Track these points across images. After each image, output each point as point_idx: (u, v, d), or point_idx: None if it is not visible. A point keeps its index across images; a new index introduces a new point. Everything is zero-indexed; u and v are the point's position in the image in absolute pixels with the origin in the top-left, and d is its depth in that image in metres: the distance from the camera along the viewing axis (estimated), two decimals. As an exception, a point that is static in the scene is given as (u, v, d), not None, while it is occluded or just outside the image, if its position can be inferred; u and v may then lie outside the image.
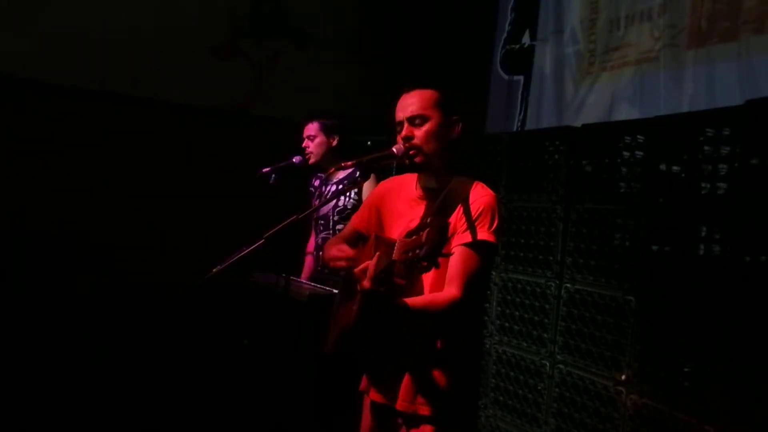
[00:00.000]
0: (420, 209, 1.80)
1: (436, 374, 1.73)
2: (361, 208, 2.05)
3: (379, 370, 1.81)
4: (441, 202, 1.73)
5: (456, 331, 1.75)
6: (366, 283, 1.52)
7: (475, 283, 1.67)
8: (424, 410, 1.72)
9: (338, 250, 1.88)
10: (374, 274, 1.51)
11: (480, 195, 1.73)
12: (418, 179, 1.85)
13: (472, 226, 1.68)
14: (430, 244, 1.39)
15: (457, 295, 1.64)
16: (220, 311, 3.75)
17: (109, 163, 4.02)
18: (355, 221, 2.02)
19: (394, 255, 1.49)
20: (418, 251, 1.41)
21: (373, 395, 1.83)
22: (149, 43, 4.15)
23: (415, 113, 1.75)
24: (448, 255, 1.58)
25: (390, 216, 1.89)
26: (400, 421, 1.78)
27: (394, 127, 1.82)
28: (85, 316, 3.79)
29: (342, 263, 1.85)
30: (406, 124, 1.76)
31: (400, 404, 1.74)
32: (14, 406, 3.13)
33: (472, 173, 1.83)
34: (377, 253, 1.54)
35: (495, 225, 1.70)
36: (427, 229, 1.41)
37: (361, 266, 1.56)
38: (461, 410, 1.78)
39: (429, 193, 1.81)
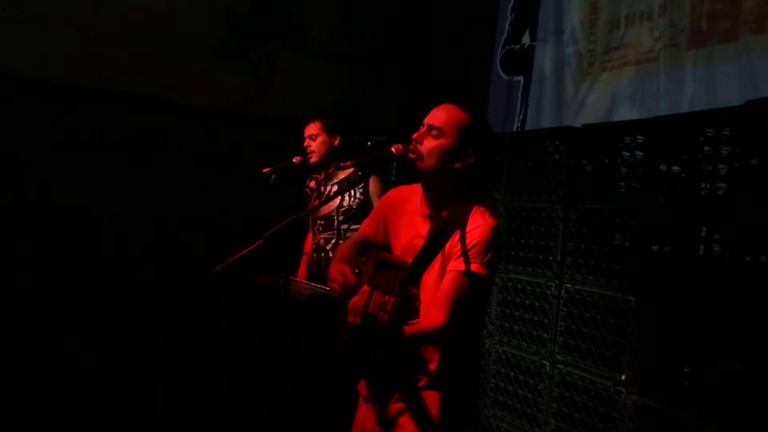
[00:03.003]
0: (423, 226, 1.80)
1: (430, 396, 1.74)
2: (371, 216, 2.06)
3: (377, 384, 1.83)
4: (438, 228, 1.70)
5: (454, 355, 1.76)
6: (356, 320, 1.53)
7: (461, 311, 1.64)
8: (423, 427, 1.74)
9: (339, 273, 1.83)
10: (362, 311, 1.52)
11: (478, 224, 1.69)
12: (424, 196, 1.84)
13: (465, 255, 1.65)
14: (392, 316, 1.43)
15: (442, 321, 1.62)
16: (220, 311, 3.75)
17: (109, 163, 4.02)
18: (365, 229, 2.03)
19: (369, 307, 1.50)
20: (383, 315, 1.43)
21: (370, 399, 1.85)
22: (149, 43, 4.15)
23: (436, 125, 1.74)
24: (459, 271, 1.63)
25: (396, 228, 1.90)
26: (394, 422, 1.79)
27: (394, 125, 1.83)
28: (85, 316, 3.79)
29: (336, 287, 1.81)
30: (424, 129, 1.76)
31: (402, 420, 1.75)
32: (13, 405, 3.13)
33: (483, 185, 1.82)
34: (365, 290, 1.54)
35: (489, 258, 1.66)
36: (393, 301, 1.42)
37: (353, 300, 1.56)
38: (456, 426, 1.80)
39: (430, 214, 1.81)
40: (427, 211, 1.81)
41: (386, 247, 1.92)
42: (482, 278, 1.66)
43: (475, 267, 1.64)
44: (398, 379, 1.77)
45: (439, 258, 1.69)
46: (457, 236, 1.68)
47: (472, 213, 1.71)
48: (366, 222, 2.05)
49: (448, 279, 1.66)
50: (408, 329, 1.61)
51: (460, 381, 1.80)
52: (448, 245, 1.69)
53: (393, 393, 1.79)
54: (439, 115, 1.76)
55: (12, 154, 3.74)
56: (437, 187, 1.77)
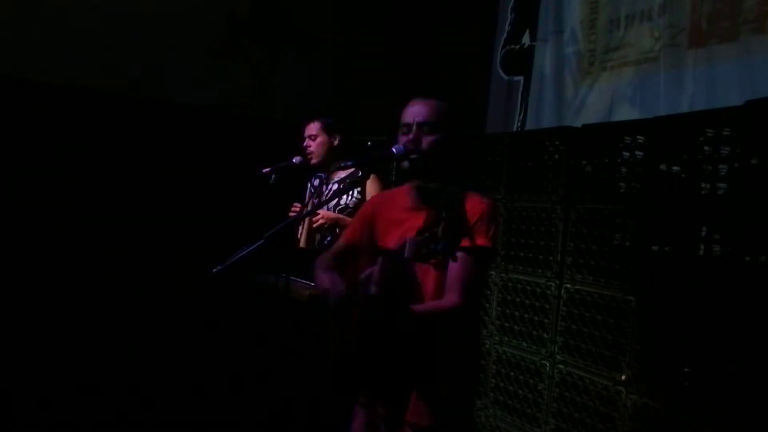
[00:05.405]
0: (417, 216, 1.81)
1: (440, 383, 1.75)
2: (353, 222, 2.06)
3: (382, 383, 1.81)
4: (441, 207, 1.73)
5: (457, 339, 1.77)
6: (373, 289, 1.52)
7: (474, 288, 1.70)
8: (430, 420, 1.73)
9: (330, 281, 1.83)
10: (380, 278, 1.50)
11: (477, 202, 1.76)
12: (412, 188, 1.86)
13: (469, 232, 1.69)
14: (447, 237, 1.40)
15: (458, 301, 1.66)
16: (220, 311, 3.75)
17: (109, 163, 4.02)
18: (348, 235, 2.02)
19: (406, 253, 1.48)
20: (432, 246, 1.41)
21: (376, 408, 1.83)
22: (149, 43, 4.15)
23: (426, 120, 1.77)
24: (465, 249, 1.60)
25: (386, 225, 1.90)
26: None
27: (394, 126, 1.83)
28: (84, 317, 3.79)
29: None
30: (415, 128, 1.77)
31: (409, 416, 1.75)
32: (13, 405, 3.13)
33: (473, 172, 1.85)
34: (381, 258, 1.54)
35: (492, 231, 1.74)
36: (443, 224, 1.41)
37: (366, 272, 1.56)
38: (463, 419, 1.80)
39: (425, 201, 1.82)
40: (419, 204, 1.84)
41: (369, 252, 1.91)
42: (488, 251, 1.74)
43: (481, 240, 1.70)
44: (400, 374, 1.76)
45: None
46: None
47: (468, 194, 1.79)
48: (348, 230, 2.05)
49: (458, 258, 1.68)
50: (423, 308, 1.66)
51: (463, 365, 1.81)
52: None
53: (394, 396, 1.78)
54: (424, 111, 1.79)
55: (9, 155, 3.74)
56: (434, 175, 1.81)
